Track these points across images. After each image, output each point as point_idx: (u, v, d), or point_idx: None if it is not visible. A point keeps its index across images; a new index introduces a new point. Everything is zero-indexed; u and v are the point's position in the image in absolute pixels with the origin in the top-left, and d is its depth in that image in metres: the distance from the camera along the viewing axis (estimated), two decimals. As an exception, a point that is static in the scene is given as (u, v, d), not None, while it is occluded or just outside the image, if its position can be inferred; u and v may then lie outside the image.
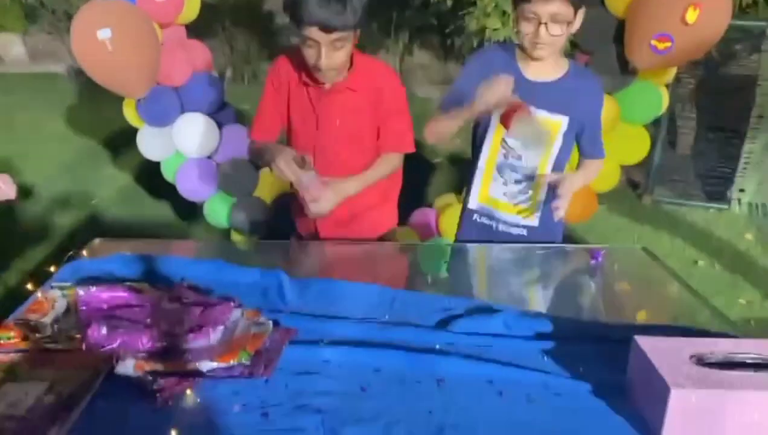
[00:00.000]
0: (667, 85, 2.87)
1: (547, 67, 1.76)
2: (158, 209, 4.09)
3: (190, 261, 1.49)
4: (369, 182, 1.87)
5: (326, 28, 1.56)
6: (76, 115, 6.03)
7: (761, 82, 4.32)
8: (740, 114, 4.48)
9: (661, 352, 0.99)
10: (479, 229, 1.96)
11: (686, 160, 4.96)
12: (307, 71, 1.76)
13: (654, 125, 3.81)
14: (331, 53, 1.62)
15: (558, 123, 1.78)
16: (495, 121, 1.79)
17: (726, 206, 4.48)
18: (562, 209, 1.70)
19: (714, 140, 4.81)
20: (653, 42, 2.42)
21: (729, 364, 0.97)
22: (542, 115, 1.75)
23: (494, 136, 1.83)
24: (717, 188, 4.62)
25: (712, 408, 0.92)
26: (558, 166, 1.84)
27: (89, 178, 4.59)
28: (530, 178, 1.84)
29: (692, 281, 1.69)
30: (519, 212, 1.89)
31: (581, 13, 1.65)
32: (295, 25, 1.60)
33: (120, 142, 4.82)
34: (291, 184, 2.02)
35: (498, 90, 1.58)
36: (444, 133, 1.82)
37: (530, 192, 1.86)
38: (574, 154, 1.92)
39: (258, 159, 1.93)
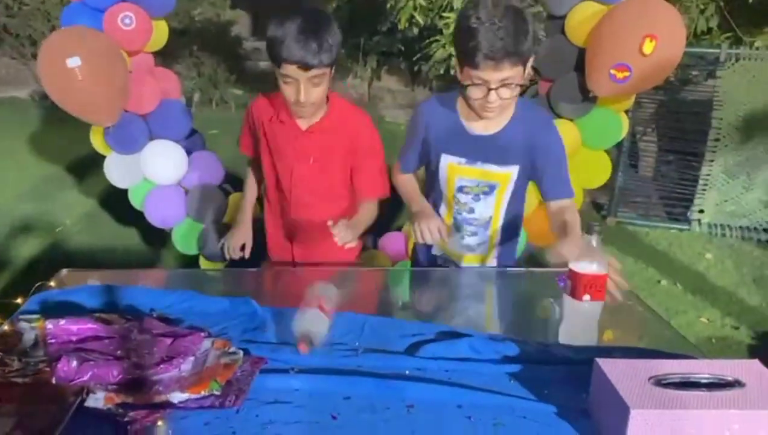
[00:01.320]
0: (626, 111, 2.96)
1: (491, 118, 1.70)
2: (125, 236, 4.04)
3: (158, 291, 1.49)
4: (361, 230, 1.89)
5: (305, 67, 1.62)
6: (40, 141, 5.95)
7: (717, 106, 4.48)
8: (698, 137, 4.64)
9: (622, 374, 1.03)
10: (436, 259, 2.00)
11: (648, 181, 5.09)
12: (284, 110, 1.82)
13: (616, 148, 3.92)
14: (309, 89, 1.68)
15: (507, 174, 1.76)
16: (445, 178, 1.81)
17: (687, 227, 4.61)
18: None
19: (674, 162, 4.95)
20: (612, 71, 2.50)
21: (686, 385, 1.01)
22: (489, 168, 1.73)
23: (447, 193, 1.84)
24: (678, 209, 4.75)
25: (669, 427, 0.95)
26: (511, 214, 1.85)
27: (54, 204, 4.52)
28: (485, 227, 1.86)
29: (655, 300, 1.75)
30: (477, 260, 1.92)
31: (530, 62, 1.59)
32: (275, 63, 1.66)
33: (85, 167, 4.77)
34: (262, 210, 2.09)
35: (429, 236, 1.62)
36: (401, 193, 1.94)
37: (486, 240, 1.89)
38: (532, 195, 1.93)
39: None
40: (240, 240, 2.11)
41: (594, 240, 1.34)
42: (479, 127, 1.73)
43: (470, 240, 1.88)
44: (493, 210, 1.82)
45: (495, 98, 1.57)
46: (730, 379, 1.02)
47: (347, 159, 1.91)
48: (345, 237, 1.69)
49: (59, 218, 4.31)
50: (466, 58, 1.54)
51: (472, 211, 1.83)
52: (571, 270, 1.36)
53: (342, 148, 1.87)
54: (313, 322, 1.24)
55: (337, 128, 1.85)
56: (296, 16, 1.63)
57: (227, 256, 2.10)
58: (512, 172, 1.76)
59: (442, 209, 1.89)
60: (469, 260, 1.93)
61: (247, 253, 2.06)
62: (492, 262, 1.92)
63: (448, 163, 1.79)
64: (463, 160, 1.76)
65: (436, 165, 1.82)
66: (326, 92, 1.77)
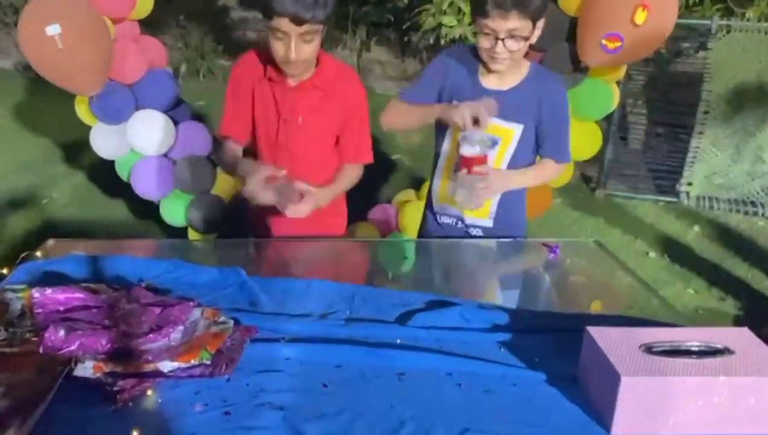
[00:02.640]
0: (617, 82, 2.95)
1: (505, 74, 1.76)
2: (113, 208, 4.01)
3: (147, 261, 1.47)
4: (338, 193, 1.92)
5: (297, 21, 1.58)
6: (25, 112, 5.85)
7: (707, 78, 4.47)
8: (688, 110, 4.64)
9: (612, 342, 1.03)
10: (442, 228, 1.99)
11: (637, 154, 5.10)
12: (273, 67, 1.77)
13: (606, 121, 3.91)
14: (300, 46, 1.64)
15: (510, 131, 1.79)
16: (452, 126, 1.80)
17: (675, 199, 4.63)
18: (476, 196, 1.67)
19: (663, 135, 4.96)
20: (604, 41, 2.48)
21: (675, 352, 1.01)
22: (494, 122, 1.73)
23: (452, 140, 1.85)
24: (666, 182, 4.76)
25: (660, 394, 0.96)
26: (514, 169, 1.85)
27: (41, 176, 4.47)
28: None
29: (643, 272, 1.76)
30: (474, 214, 1.90)
31: (540, 24, 1.65)
32: (266, 16, 1.61)
33: (72, 140, 4.70)
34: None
35: (476, 111, 1.62)
36: (402, 123, 1.91)
37: None
38: None
39: (227, 167, 1.96)
40: (263, 172, 1.74)
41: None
42: (492, 82, 1.78)
43: None
44: (493, 164, 1.81)
45: (502, 48, 1.63)
46: (719, 346, 1.03)
47: (335, 120, 1.87)
48: (296, 210, 1.68)
49: (46, 191, 4.26)
50: (478, 7, 1.62)
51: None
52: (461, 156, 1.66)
53: (331, 107, 1.84)
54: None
55: (326, 86, 1.81)
56: None
57: (263, 200, 1.74)
58: (516, 130, 1.79)
59: (443, 158, 1.91)
60: (467, 212, 1.91)
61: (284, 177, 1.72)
62: (488, 220, 1.91)
63: None
64: None
65: None
66: (317, 51, 1.73)
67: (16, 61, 7.84)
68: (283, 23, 1.59)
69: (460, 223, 1.94)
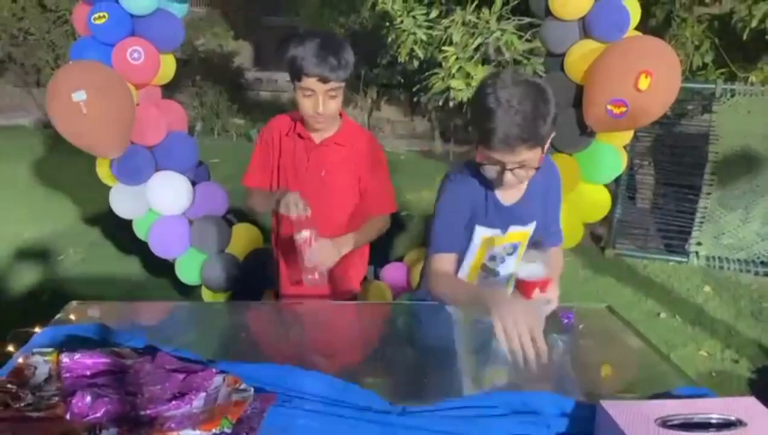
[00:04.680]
0: (625, 145, 3.01)
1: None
2: (128, 265, 4.07)
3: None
4: (362, 243, 2.04)
5: (323, 79, 1.81)
6: (43, 168, 6.00)
7: (713, 140, 4.55)
8: (695, 170, 4.69)
9: (627, 416, 1.05)
10: None
11: (646, 213, 5.13)
12: (300, 125, 1.97)
13: (614, 181, 3.96)
14: (327, 102, 1.86)
15: (528, 232, 1.78)
16: (476, 248, 1.74)
17: (685, 259, 4.63)
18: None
19: (671, 195, 5.00)
20: (609, 106, 2.55)
21: (690, 425, 1.02)
22: (515, 230, 1.73)
23: (474, 261, 1.80)
24: (676, 241, 4.78)
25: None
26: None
27: (57, 232, 4.55)
28: (505, 283, 1.85)
29: (655, 333, 1.77)
30: None
31: (547, 144, 1.53)
32: (296, 78, 1.85)
33: (89, 196, 4.80)
34: (272, 240, 2.12)
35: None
36: (451, 301, 1.68)
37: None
38: None
39: (258, 205, 2.12)
40: (298, 196, 1.83)
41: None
42: (508, 197, 1.70)
43: None
44: (513, 267, 1.82)
45: (511, 177, 1.53)
46: (732, 418, 1.04)
47: (354, 175, 2.03)
48: (316, 256, 1.79)
49: (62, 247, 4.33)
50: (482, 138, 1.48)
51: (497, 274, 1.83)
52: (518, 280, 1.46)
53: (352, 162, 2.01)
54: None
55: (347, 143, 2.01)
56: (315, 36, 1.83)
57: (292, 215, 1.81)
58: (532, 228, 1.79)
59: (465, 270, 1.82)
60: None
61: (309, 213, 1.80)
62: None
63: (482, 235, 1.73)
64: (498, 231, 1.73)
65: (469, 235, 1.74)
66: (340, 106, 1.94)
67: (36, 119, 8.07)
68: (311, 82, 1.82)
69: None
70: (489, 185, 1.66)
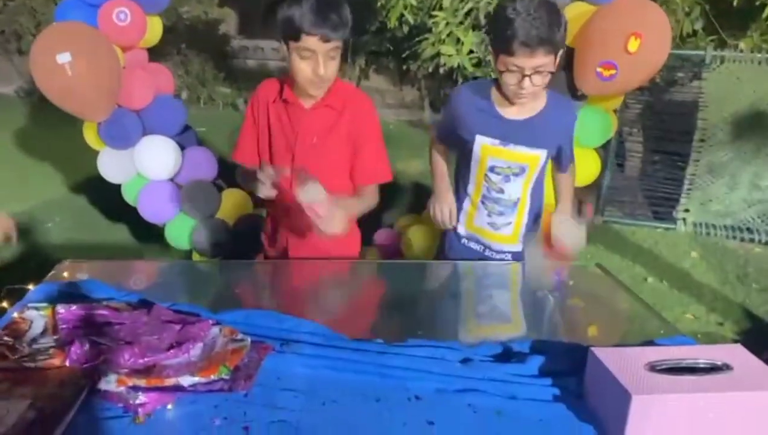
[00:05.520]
0: (615, 110, 3.02)
1: (524, 105, 1.81)
2: (116, 232, 4.05)
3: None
4: (362, 211, 1.93)
5: (325, 38, 1.66)
6: (26, 137, 5.92)
7: (702, 107, 4.56)
8: (684, 137, 4.72)
9: (617, 362, 1.06)
10: (468, 253, 2.04)
11: (634, 181, 5.17)
12: (289, 90, 1.84)
13: (603, 148, 3.98)
14: (327, 63, 1.72)
15: (537, 156, 1.85)
16: (478, 157, 1.88)
17: (672, 226, 4.68)
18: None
19: (660, 163, 5.03)
20: (599, 69, 2.55)
21: (679, 370, 1.04)
22: (520, 150, 1.82)
23: (477, 172, 1.92)
24: (663, 209, 4.83)
25: (669, 411, 0.99)
26: (536, 198, 1.95)
27: (43, 200, 4.51)
28: (512, 207, 1.93)
29: (642, 297, 1.80)
30: (503, 240, 1.98)
31: (560, 54, 1.69)
32: (293, 39, 1.68)
33: (74, 163, 4.75)
34: (263, 203, 2.05)
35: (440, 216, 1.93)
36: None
37: (513, 221, 1.96)
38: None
39: (250, 181, 1.94)
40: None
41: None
42: (512, 113, 1.83)
43: (497, 219, 1.96)
44: (521, 191, 1.91)
45: (528, 84, 1.68)
46: (719, 363, 1.06)
47: (347, 141, 1.89)
48: (330, 225, 1.65)
49: (49, 214, 4.30)
50: (503, 46, 1.66)
51: (501, 191, 1.91)
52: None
53: (343, 127, 1.87)
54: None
55: (339, 107, 1.86)
56: None
57: (264, 192, 1.78)
58: (541, 155, 1.86)
59: (471, 187, 1.97)
60: (496, 239, 1.99)
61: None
62: (518, 245, 1.99)
63: (482, 143, 1.87)
64: (496, 141, 1.85)
65: (470, 145, 1.89)
66: (338, 69, 1.79)
67: (18, 87, 7.94)
68: (311, 42, 1.66)
69: (488, 250, 2.01)
70: (489, 100, 1.84)
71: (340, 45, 1.73)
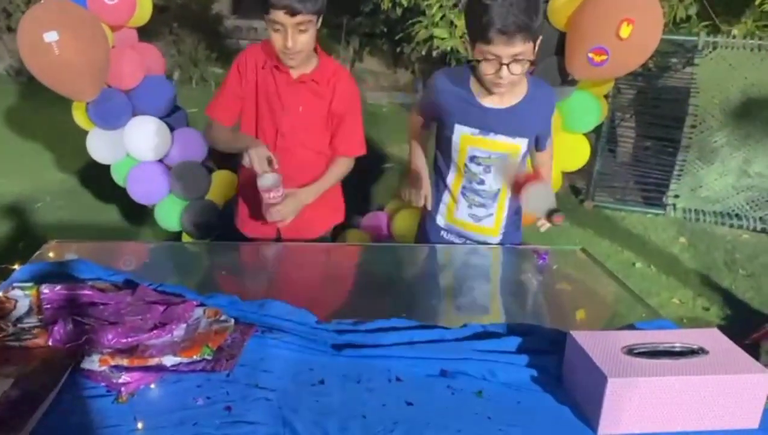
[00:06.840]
0: (606, 96, 3.02)
1: (505, 92, 1.76)
2: (106, 213, 4.03)
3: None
4: (325, 188, 2.02)
5: (291, 12, 1.72)
6: (16, 116, 5.86)
7: (694, 93, 4.57)
8: (675, 124, 4.73)
9: (595, 345, 1.08)
10: (448, 244, 2.03)
11: (625, 167, 5.18)
12: (277, 58, 1.90)
13: (594, 133, 3.99)
14: (296, 36, 1.78)
15: (518, 147, 1.82)
16: (457, 147, 1.85)
17: (662, 211, 4.71)
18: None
19: (651, 148, 5.04)
20: (590, 54, 2.54)
21: (655, 353, 1.06)
22: (501, 139, 1.79)
23: (458, 162, 1.89)
24: (654, 194, 4.85)
25: (644, 394, 1.01)
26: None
27: (33, 181, 4.48)
28: (493, 198, 1.91)
29: (630, 281, 1.82)
30: (485, 232, 1.96)
31: (539, 42, 1.64)
32: (263, 11, 1.76)
33: (64, 144, 4.71)
34: (237, 188, 2.10)
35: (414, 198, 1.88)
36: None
37: (494, 213, 1.94)
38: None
39: (222, 142, 2.06)
40: (264, 149, 1.87)
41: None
42: (492, 101, 1.78)
43: (478, 211, 1.94)
44: (502, 184, 1.89)
45: (507, 73, 1.63)
46: (695, 347, 1.08)
47: (329, 114, 2.00)
48: (280, 213, 1.84)
49: (39, 195, 4.28)
50: (479, 33, 1.60)
51: (482, 182, 1.88)
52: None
53: (326, 99, 1.97)
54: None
55: (324, 80, 1.96)
56: None
57: (256, 166, 1.81)
58: (522, 144, 1.83)
59: (451, 177, 1.94)
60: (478, 231, 1.97)
61: (276, 165, 1.83)
62: (499, 236, 1.97)
63: (461, 133, 1.83)
64: (476, 130, 1.81)
65: (450, 134, 1.86)
66: (313, 41, 1.87)
67: (8, 66, 7.83)
68: (279, 15, 1.74)
69: (468, 243, 1.99)
70: (468, 89, 1.79)
71: (310, 19, 1.78)
